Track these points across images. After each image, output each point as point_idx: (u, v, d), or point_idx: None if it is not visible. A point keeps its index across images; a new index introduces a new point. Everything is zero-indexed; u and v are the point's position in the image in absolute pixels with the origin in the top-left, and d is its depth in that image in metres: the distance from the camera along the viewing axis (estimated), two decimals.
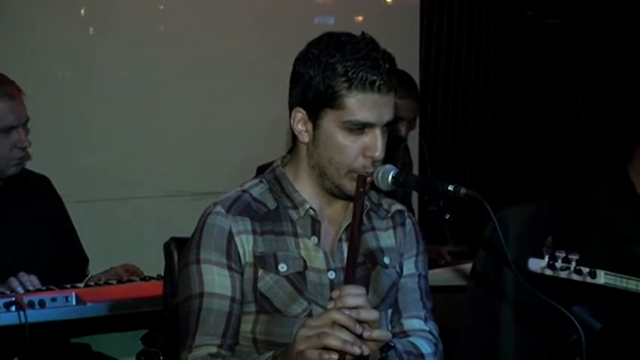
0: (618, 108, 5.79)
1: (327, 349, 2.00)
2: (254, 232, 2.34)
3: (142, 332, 3.18)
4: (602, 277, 2.73)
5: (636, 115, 3.56)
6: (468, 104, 5.93)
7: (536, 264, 2.64)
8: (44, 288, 3.23)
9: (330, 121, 2.29)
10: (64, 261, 3.58)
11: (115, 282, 3.42)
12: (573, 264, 2.65)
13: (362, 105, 2.26)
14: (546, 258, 2.65)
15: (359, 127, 2.28)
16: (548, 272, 2.64)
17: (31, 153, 3.61)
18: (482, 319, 3.46)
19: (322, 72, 2.27)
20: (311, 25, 4.88)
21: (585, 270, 2.67)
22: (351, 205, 2.36)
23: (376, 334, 2.08)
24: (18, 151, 3.42)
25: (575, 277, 2.66)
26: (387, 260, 2.44)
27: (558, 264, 2.63)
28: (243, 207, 2.36)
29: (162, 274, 2.88)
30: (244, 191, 2.41)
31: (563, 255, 2.65)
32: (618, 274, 2.80)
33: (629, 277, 2.85)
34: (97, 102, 4.28)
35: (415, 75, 5.04)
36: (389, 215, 2.52)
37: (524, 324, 3.35)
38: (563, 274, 2.63)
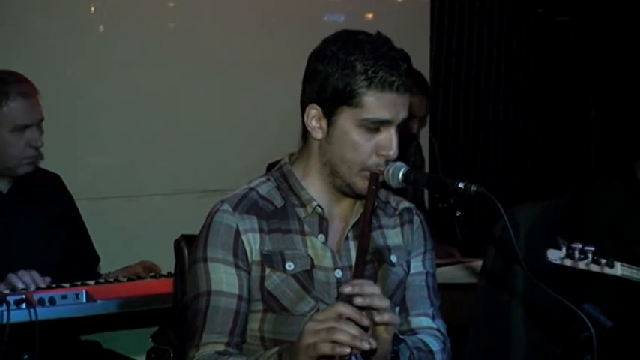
0: (629, 105, 5.77)
1: (335, 342, 2.01)
2: (261, 231, 2.34)
3: (153, 329, 3.17)
4: (618, 269, 2.72)
5: None
6: (478, 102, 5.92)
7: (555, 254, 2.63)
8: (54, 285, 3.23)
9: (346, 118, 2.30)
10: (74, 259, 3.59)
11: (125, 279, 3.43)
12: (590, 255, 2.65)
13: (380, 104, 2.27)
14: (564, 249, 2.65)
15: (375, 126, 2.28)
16: (568, 262, 2.63)
17: (43, 153, 3.61)
18: (492, 316, 3.45)
19: (341, 69, 2.27)
20: (321, 22, 4.87)
21: (602, 261, 2.67)
22: (359, 203, 2.37)
23: (387, 316, 2.09)
24: (31, 150, 3.42)
25: (593, 267, 2.65)
26: (394, 258, 2.44)
27: (576, 255, 2.63)
28: (250, 205, 2.36)
29: (172, 271, 2.88)
30: (251, 189, 2.41)
31: (580, 247, 2.65)
32: (634, 267, 2.79)
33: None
34: (105, 99, 4.29)
35: (426, 72, 5.03)
36: (397, 213, 2.52)
37: (534, 322, 3.35)
38: (581, 264, 2.62)
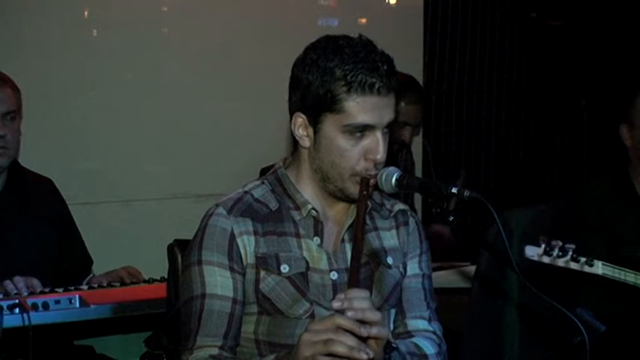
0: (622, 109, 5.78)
1: (333, 355, 2.01)
2: (255, 233, 2.34)
3: (146, 334, 3.18)
4: (599, 268, 2.70)
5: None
6: (471, 106, 5.92)
7: (533, 251, 2.61)
8: (47, 290, 3.23)
9: (330, 125, 2.30)
10: (68, 263, 3.59)
11: (118, 284, 3.43)
12: (570, 252, 2.62)
13: (362, 108, 2.26)
14: (543, 245, 2.62)
15: (360, 130, 2.28)
16: (546, 259, 2.60)
17: (23, 153, 3.60)
18: (486, 321, 3.46)
19: (321, 77, 2.27)
20: (314, 27, 4.88)
21: (582, 259, 2.65)
22: (354, 205, 2.37)
23: (375, 331, 2.08)
24: None
25: (572, 265, 2.62)
26: (390, 260, 2.44)
27: (555, 252, 2.60)
28: (244, 208, 2.37)
29: (166, 276, 2.88)
30: (246, 192, 2.41)
31: (560, 244, 2.62)
32: (616, 266, 2.78)
33: (627, 269, 2.83)
34: (99, 104, 4.28)
35: (419, 77, 5.04)
36: (392, 215, 2.52)
37: (527, 326, 3.35)
38: (560, 262, 2.59)
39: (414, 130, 4.60)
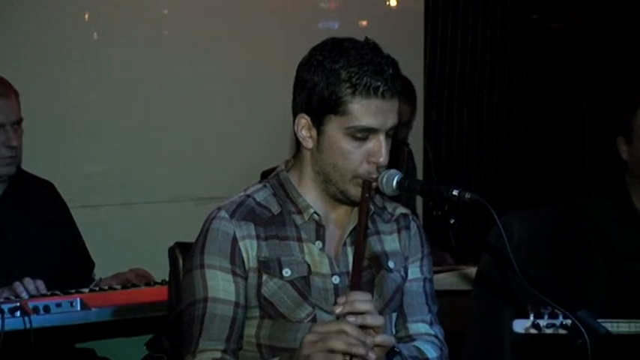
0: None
1: (332, 352, 2.01)
2: (258, 237, 2.34)
3: (147, 337, 3.17)
4: None
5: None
6: (472, 109, 5.93)
7: (520, 325, 2.59)
8: (49, 293, 3.23)
9: (334, 127, 2.30)
10: (69, 266, 3.58)
11: (119, 287, 3.42)
12: (560, 318, 2.58)
13: (366, 110, 2.26)
14: (531, 317, 2.58)
15: (363, 133, 2.28)
16: (534, 331, 2.59)
17: (24, 156, 3.60)
18: (487, 323, 3.45)
19: (326, 78, 2.27)
20: (315, 29, 4.88)
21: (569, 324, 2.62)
22: (356, 209, 2.37)
23: (379, 339, 2.09)
24: (7, 150, 3.40)
25: (561, 331, 2.60)
26: (391, 264, 2.44)
27: (544, 321, 2.56)
28: (247, 212, 2.36)
29: (167, 279, 2.88)
30: (248, 196, 2.41)
31: (550, 310, 2.58)
32: (607, 320, 2.76)
33: (619, 320, 2.82)
34: (100, 107, 4.29)
35: (420, 79, 5.04)
36: (393, 219, 2.52)
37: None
38: (549, 331, 2.58)
39: (400, 129, 4.56)
